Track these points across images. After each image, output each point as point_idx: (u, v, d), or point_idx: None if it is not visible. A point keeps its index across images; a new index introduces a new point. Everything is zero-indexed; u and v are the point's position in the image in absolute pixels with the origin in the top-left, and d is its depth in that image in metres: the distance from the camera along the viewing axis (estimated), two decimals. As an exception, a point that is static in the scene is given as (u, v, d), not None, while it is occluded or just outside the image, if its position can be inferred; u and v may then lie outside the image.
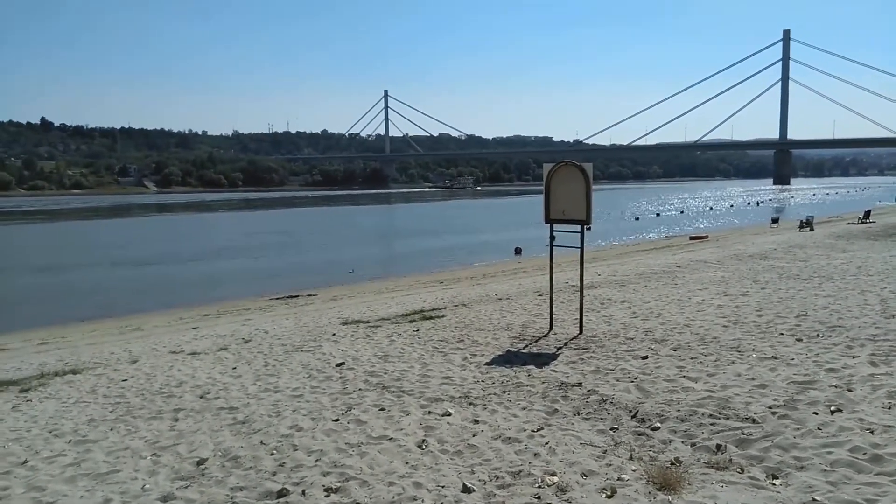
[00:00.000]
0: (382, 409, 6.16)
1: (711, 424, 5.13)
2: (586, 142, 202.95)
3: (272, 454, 5.18)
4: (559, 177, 9.03)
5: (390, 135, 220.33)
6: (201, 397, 7.20)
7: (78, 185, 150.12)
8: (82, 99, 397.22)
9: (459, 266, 30.26)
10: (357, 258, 34.08)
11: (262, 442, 5.48)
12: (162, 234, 53.87)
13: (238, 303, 21.36)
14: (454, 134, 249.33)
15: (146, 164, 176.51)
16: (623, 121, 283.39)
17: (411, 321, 11.37)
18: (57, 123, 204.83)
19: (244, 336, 11.64)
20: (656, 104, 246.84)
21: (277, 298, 21.71)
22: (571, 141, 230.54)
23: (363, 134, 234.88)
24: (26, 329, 17.63)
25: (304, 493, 4.37)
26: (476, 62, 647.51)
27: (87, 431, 6.23)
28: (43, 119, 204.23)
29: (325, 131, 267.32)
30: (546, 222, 9.20)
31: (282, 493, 4.37)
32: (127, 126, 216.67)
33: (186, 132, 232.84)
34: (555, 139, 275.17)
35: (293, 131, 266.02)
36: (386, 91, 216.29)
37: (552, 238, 9.27)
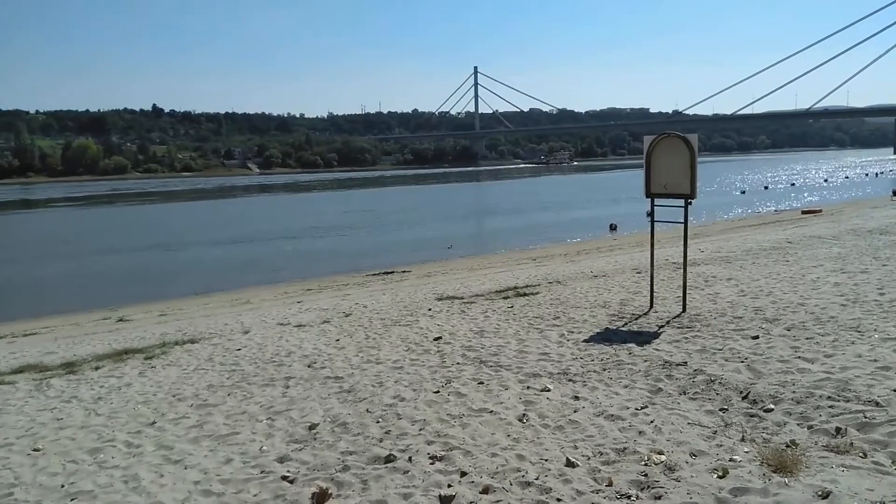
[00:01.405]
0: (481, 383, 6.23)
1: (830, 407, 4.84)
2: (686, 112, 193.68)
3: (378, 422, 5.38)
4: (661, 149, 8.71)
5: (480, 112, 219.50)
6: (309, 366, 7.55)
7: (187, 167, 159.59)
8: (190, 86, 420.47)
9: (552, 243, 29.92)
10: (449, 235, 34.38)
11: (367, 410, 5.70)
12: (263, 213, 56.48)
13: (337, 278, 22.13)
14: (545, 108, 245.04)
15: (249, 147, 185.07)
16: (726, 89, 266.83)
17: (505, 297, 11.38)
18: (167, 110, 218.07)
19: (345, 310, 12.05)
20: (763, 70, 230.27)
21: (374, 274, 22.31)
22: (670, 112, 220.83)
23: (453, 112, 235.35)
24: (147, 302, 19.07)
25: (410, 459, 4.51)
26: (568, 36, 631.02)
27: (206, 396, 6.68)
28: (154, 106, 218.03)
29: (415, 111, 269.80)
30: (646, 197, 8.90)
31: (389, 459, 4.54)
32: (231, 111, 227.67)
33: (285, 115, 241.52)
34: (652, 110, 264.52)
35: (385, 111, 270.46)
36: (476, 68, 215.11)
37: (653, 213, 8.98)
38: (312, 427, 5.38)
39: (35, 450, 5.39)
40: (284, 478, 4.39)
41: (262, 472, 4.57)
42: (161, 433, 5.61)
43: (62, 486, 4.57)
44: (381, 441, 4.93)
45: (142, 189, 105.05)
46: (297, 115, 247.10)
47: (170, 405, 6.46)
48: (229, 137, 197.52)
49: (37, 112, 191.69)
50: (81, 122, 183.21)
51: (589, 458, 4.32)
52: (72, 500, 4.34)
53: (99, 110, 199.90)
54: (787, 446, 4.27)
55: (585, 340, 7.60)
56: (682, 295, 9.06)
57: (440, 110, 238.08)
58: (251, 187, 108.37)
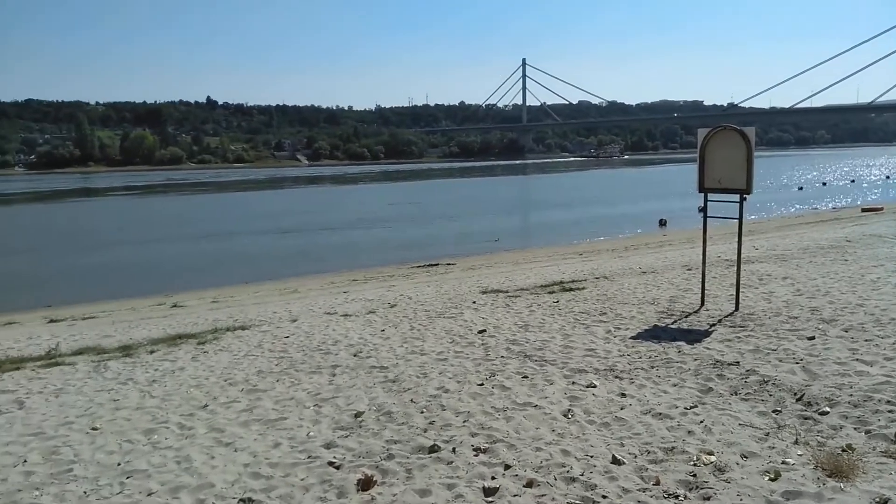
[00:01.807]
0: (525, 377, 6.20)
1: (889, 412, 4.66)
2: (742, 105, 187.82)
3: (422, 412, 5.41)
4: (716, 142, 8.49)
5: (528, 104, 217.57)
6: (355, 356, 7.64)
7: (239, 159, 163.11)
8: (242, 79, 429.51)
9: (599, 238, 29.52)
10: (493, 229, 34.28)
11: (412, 400, 5.74)
12: (311, 204, 57.33)
13: (382, 270, 22.32)
14: (594, 101, 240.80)
15: (298, 139, 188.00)
16: (784, 82, 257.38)
17: (550, 292, 11.29)
18: (221, 102, 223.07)
19: (390, 301, 12.15)
20: (823, 62, 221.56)
21: (419, 266, 22.42)
22: (725, 105, 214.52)
23: (500, 105, 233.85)
24: (200, 289, 19.61)
25: (454, 450, 4.53)
26: (619, 27, 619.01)
27: (256, 381, 6.84)
28: (208, 98, 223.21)
29: (462, 103, 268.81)
30: (700, 191, 8.70)
31: (433, 449, 4.57)
32: (282, 104, 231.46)
33: (334, 108, 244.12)
34: (706, 103, 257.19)
35: (432, 104, 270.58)
36: (524, 60, 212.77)
37: (706, 208, 8.76)
38: (358, 415, 5.46)
39: (93, 429, 5.62)
40: (331, 463, 4.47)
41: (308, 457, 4.66)
42: (213, 416, 5.77)
43: (118, 465, 4.75)
44: (425, 431, 4.96)
45: (196, 179, 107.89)
46: (346, 108, 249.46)
47: (221, 389, 6.63)
48: (280, 129, 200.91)
49: (97, 103, 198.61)
50: (139, 114, 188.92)
51: (636, 457, 4.26)
52: (127, 477, 4.51)
53: (155, 102, 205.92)
54: (843, 451, 4.13)
55: (633, 337, 7.48)
56: (734, 293, 8.83)
57: (487, 103, 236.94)
58: (300, 178, 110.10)
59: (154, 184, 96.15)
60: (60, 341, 10.58)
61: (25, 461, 4.91)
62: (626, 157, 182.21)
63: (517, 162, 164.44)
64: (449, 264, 22.55)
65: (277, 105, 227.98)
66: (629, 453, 4.31)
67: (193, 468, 4.59)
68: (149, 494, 4.20)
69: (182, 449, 4.98)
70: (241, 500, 4.02)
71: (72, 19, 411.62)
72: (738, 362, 6.18)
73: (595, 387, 5.74)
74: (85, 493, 4.29)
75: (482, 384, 6.07)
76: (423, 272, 20.91)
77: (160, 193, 77.72)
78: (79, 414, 6.07)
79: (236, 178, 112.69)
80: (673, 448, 4.35)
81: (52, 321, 14.70)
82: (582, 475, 4.02)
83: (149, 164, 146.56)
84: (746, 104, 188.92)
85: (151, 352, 8.76)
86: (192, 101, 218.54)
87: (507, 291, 11.98)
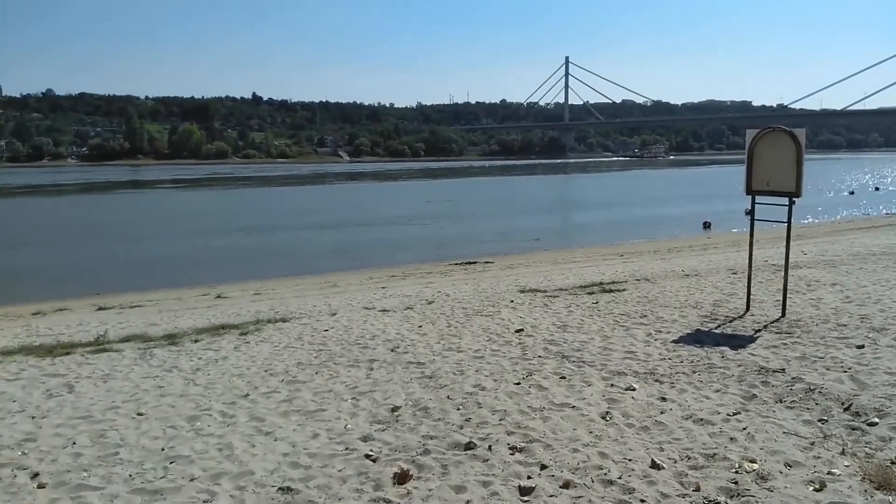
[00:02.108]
0: (563, 378, 6.16)
1: (944, 426, 4.48)
2: (792, 106, 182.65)
3: (458, 409, 5.42)
4: (764, 144, 8.29)
5: (570, 103, 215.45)
6: (392, 350, 7.70)
7: (283, 154, 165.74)
8: (287, 75, 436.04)
9: (640, 239, 29.07)
10: (532, 228, 34.09)
11: (448, 397, 5.76)
12: (351, 200, 57.88)
13: (420, 266, 22.42)
14: (638, 100, 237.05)
15: (340, 135, 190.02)
16: (837, 83, 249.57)
17: (590, 293, 11.18)
18: (266, 98, 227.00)
19: (427, 298, 12.20)
20: (878, 63, 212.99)
21: (456, 264, 22.43)
22: (774, 105, 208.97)
23: (541, 103, 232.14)
24: (242, 281, 20.01)
25: (490, 448, 4.53)
26: (664, 24, 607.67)
27: (296, 373, 6.95)
28: (254, 94, 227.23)
29: (503, 101, 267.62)
30: (747, 194, 8.50)
31: (469, 446, 4.57)
32: (325, 100, 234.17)
33: (376, 105, 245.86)
34: (754, 104, 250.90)
35: (473, 102, 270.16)
36: (567, 58, 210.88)
37: (753, 211, 8.56)
38: (395, 409, 5.50)
39: (139, 414, 5.79)
40: (368, 456, 4.52)
41: (346, 448, 4.72)
42: (253, 405, 5.89)
43: (162, 450, 4.89)
44: (461, 428, 4.97)
45: (240, 174, 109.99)
46: (388, 105, 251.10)
47: (262, 379, 6.76)
48: (322, 126, 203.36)
49: (146, 98, 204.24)
50: (186, 109, 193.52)
51: (675, 462, 4.19)
52: (171, 462, 4.63)
53: (203, 97, 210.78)
54: (893, 463, 4.00)
55: (674, 341, 7.36)
56: (781, 299, 8.61)
57: (529, 101, 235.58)
58: (341, 174, 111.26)
59: (200, 177, 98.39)
60: (108, 328, 10.94)
61: (74, 443, 5.09)
62: (671, 157, 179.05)
63: (558, 161, 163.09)
64: (487, 262, 22.51)
65: (321, 101, 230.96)
66: (669, 458, 4.24)
67: (234, 455, 4.69)
68: (191, 480, 4.31)
69: (224, 436, 5.10)
70: (280, 488, 4.10)
71: (121, 13, 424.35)
72: (783, 369, 6.03)
73: (634, 390, 5.67)
74: (130, 476, 4.42)
75: (519, 383, 6.06)
76: (461, 270, 20.93)
77: (205, 187, 79.45)
78: (125, 399, 6.26)
79: (279, 173, 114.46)
80: (714, 454, 4.27)
81: (100, 308, 15.19)
82: (620, 478, 3.97)
83: (195, 158, 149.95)
84: (797, 105, 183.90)
85: (196, 341, 8.98)
86: (238, 97, 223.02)
87: (545, 291, 11.90)
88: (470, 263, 22.47)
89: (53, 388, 6.75)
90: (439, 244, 28.94)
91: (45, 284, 20.41)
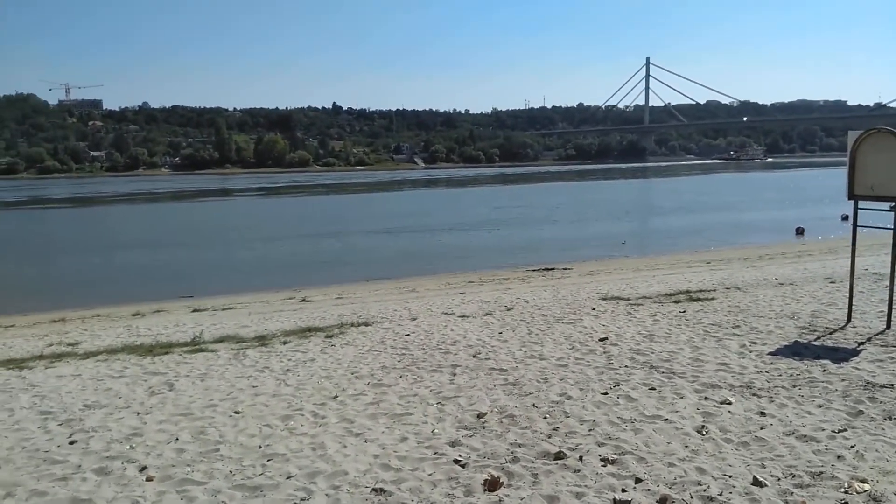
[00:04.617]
0: (653, 389, 5.99)
1: None
2: (891, 105, 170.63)
3: (545, 417, 5.37)
4: (868, 146, 7.83)
5: (650, 104, 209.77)
6: (474, 356, 7.71)
7: (361, 161, 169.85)
8: (365, 85, 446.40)
9: (728, 246, 27.93)
10: (613, 234, 33.40)
11: (534, 405, 5.71)
12: (426, 206, 58.51)
13: (497, 272, 22.37)
14: (724, 100, 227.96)
15: (416, 142, 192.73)
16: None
17: (676, 301, 10.83)
18: (345, 108, 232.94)
19: (506, 304, 12.16)
20: None
21: (534, 270, 22.25)
22: (871, 105, 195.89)
23: (620, 106, 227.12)
24: (325, 285, 20.60)
25: (580, 458, 4.46)
26: (752, 19, 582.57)
27: (381, 376, 7.07)
28: (334, 104, 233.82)
29: (580, 104, 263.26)
30: (849, 199, 8.04)
31: (559, 456, 4.51)
32: (401, 108, 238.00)
33: (451, 111, 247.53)
34: (849, 103, 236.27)
35: (549, 106, 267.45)
36: (648, 59, 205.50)
37: (856, 217, 8.08)
38: (481, 416, 5.50)
39: (236, 412, 6.04)
40: (456, 461, 4.54)
41: (435, 453, 4.75)
42: (342, 407, 6.03)
43: (259, 447, 5.08)
44: (549, 437, 4.92)
45: (321, 181, 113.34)
46: (463, 111, 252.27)
47: (349, 381, 6.92)
48: (399, 133, 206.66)
49: (234, 109, 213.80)
50: (271, 119, 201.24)
51: (779, 479, 3.99)
52: (268, 460, 4.81)
53: (286, 108, 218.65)
54: None
55: (771, 353, 7.02)
56: (886, 310, 8.07)
57: (607, 104, 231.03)
58: (417, 181, 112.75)
59: (282, 185, 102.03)
60: (203, 329, 11.48)
61: (177, 439, 5.36)
62: (769, 159, 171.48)
63: (637, 165, 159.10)
64: (565, 269, 22.22)
65: (397, 109, 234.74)
66: (771, 475, 4.05)
67: (328, 455, 4.82)
68: (288, 477, 4.45)
69: (316, 436, 5.25)
70: (373, 489, 4.18)
71: (213, 29, 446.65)
72: (892, 385, 5.66)
73: (730, 403, 5.44)
74: (231, 472, 4.62)
75: (606, 393, 5.93)
76: (539, 276, 20.73)
77: (289, 195, 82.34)
78: (222, 398, 6.54)
79: (357, 180, 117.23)
80: (821, 473, 4.04)
81: (194, 310, 15.99)
82: (720, 495, 3.82)
83: (279, 167, 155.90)
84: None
85: (284, 342, 9.29)
86: (319, 107, 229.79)
87: (628, 299, 11.62)
88: (548, 270, 22.24)
89: (155, 386, 7.14)
90: (515, 250, 28.81)
91: (142, 286, 21.73)
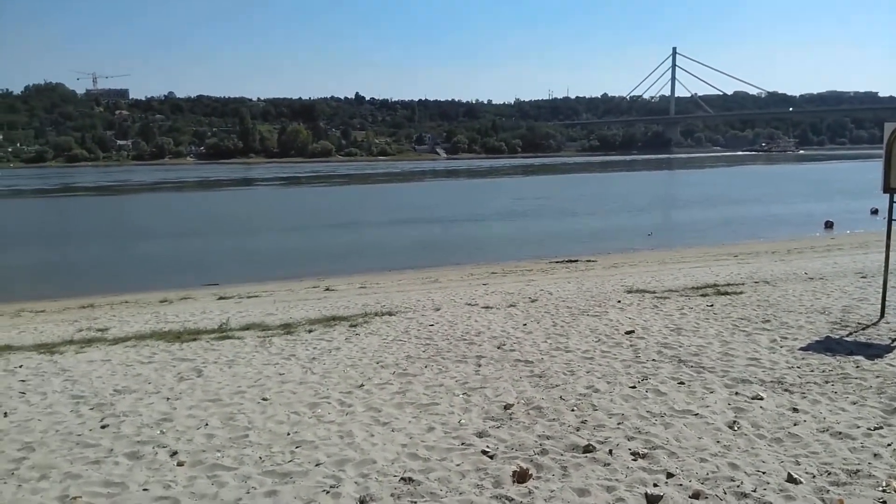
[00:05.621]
0: (682, 383, 5.92)
1: None
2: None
3: (572, 410, 5.33)
4: (907, 137, 7.60)
5: (676, 95, 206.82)
6: (499, 348, 7.69)
7: (383, 152, 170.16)
8: (388, 75, 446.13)
9: (756, 239, 27.51)
10: (637, 226, 33.06)
11: (561, 397, 5.67)
12: (447, 196, 58.40)
13: (520, 264, 22.26)
14: (752, 91, 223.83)
15: (438, 133, 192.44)
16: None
17: (703, 295, 10.69)
18: (368, 98, 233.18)
19: (530, 295, 12.10)
20: None
21: (558, 262, 22.11)
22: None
23: (645, 96, 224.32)
24: (348, 275, 20.68)
25: (610, 452, 4.42)
26: (781, 9, 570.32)
27: (406, 366, 7.08)
28: (357, 94, 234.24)
29: (604, 95, 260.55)
30: (884, 192, 7.88)
31: (588, 449, 4.48)
32: (423, 98, 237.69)
33: (473, 102, 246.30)
34: (881, 94, 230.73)
35: (572, 97, 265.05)
36: (674, 49, 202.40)
37: (891, 210, 7.89)
38: (507, 407, 5.48)
39: (263, 399, 6.09)
40: (484, 452, 4.53)
41: (462, 443, 4.75)
42: (369, 396, 6.05)
43: (287, 434, 5.12)
44: (577, 430, 4.89)
45: (343, 171, 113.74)
46: (485, 102, 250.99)
47: (374, 371, 6.94)
48: (421, 123, 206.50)
49: (258, 99, 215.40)
50: (294, 109, 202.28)
51: (814, 477, 3.92)
52: (296, 447, 4.84)
53: (309, 98, 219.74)
54: None
55: (802, 348, 6.90)
56: (923, 306, 7.88)
57: (631, 94, 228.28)
58: (438, 172, 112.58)
59: (306, 175, 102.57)
60: (230, 317, 11.60)
61: (207, 424, 5.42)
62: (801, 151, 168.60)
63: (662, 156, 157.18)
64: (589, 261, 22.04)
65: (419, 100, 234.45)
66: (806, 472, 3.98)
67: (356, 444, 4.84)
68: (317, 465, 4.48)
69: (344, 424, 5.27)
70: (402, 478, 4.19)
71: (236, 25, 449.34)
72: (931, 384, 5.51)
73: (762, 399, 5.36)
74: (260, 458, 4.66)
75: (634, 387, 5.88)
76: (563, 268, 20.60)
77: (311, 185, 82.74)
78: (250, 384, 6.61)
79: (379, 170, 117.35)
80: (857, 471, 3.96)
81: (221, 298, 16.15)
82: (754, 491, 3.76)
83: (302, 157, 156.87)
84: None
85: (310, 331, 9.34)
86: (342, 97, 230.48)
87: (654, 292, 11.51)
88: (571, 261, 22.09)
89: (184, 372, 7.23)
90: (539, 241, 28.64)
91: (168, 273, 22.01)
